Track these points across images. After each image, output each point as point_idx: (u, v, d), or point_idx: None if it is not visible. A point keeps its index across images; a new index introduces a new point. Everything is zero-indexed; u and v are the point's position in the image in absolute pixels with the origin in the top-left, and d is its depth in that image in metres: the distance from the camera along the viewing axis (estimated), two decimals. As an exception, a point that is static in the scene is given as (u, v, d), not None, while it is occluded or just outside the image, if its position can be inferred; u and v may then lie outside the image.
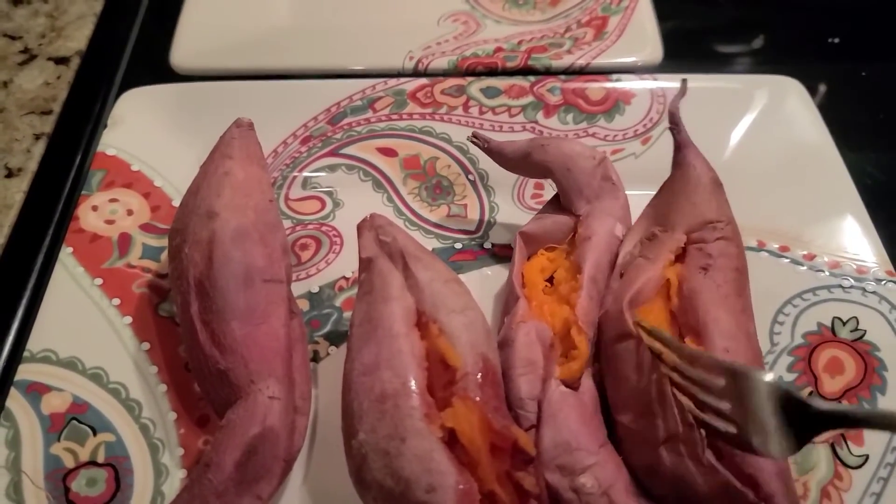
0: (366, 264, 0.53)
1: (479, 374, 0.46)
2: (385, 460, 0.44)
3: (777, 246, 0.60)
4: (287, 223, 0.64)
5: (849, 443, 0.50)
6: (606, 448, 0.47)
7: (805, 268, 0.58)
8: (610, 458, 0.46)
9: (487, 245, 0.63)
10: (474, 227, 0.64)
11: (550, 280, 0.57)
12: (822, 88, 0.77)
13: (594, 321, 0.52)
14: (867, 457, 0.50)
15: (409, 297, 0.50)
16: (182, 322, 0.52)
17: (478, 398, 0.45)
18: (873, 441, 0.50)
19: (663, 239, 0.54)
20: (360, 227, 0.54)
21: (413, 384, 0.46)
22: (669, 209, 0.54)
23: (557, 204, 0.60)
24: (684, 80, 0.57)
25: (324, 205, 0.65)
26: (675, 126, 0.56)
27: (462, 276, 0.60)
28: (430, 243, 0.63)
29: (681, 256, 0.53)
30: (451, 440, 0.44)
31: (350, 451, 0.46)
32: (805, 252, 0.59)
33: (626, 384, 0.48)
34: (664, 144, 0.67)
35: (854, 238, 0.59)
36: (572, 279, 0.54)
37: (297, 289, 0.59)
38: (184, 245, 0.52)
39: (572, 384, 0.50)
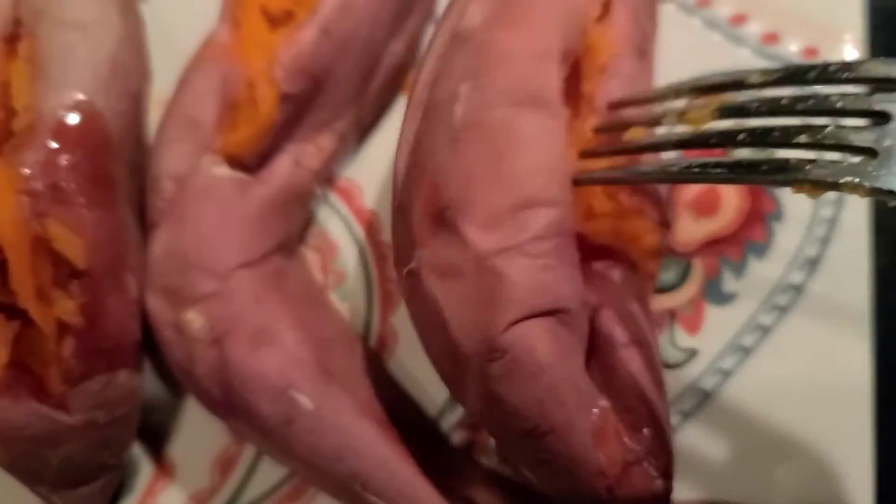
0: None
1: (60, 129, 0.29)
2: None
3: (695, -4, 0.36)
4: None
5: (676, 327, 0.31)
6: (252, 272, 0.30)
7: (721, 35, 0.35)
8: (248, 287, 0.29)
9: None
10: None
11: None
12: None
13: (320, 72, 0.32)
14: (693, 352, 0.31)
15: (9, -9, 0.32)
16: None
17: (27, 167, 0.28)
18: (717, 327, 0.31)
19: None
20: None
21: (-59, 129, 0.29)
22: None
23: None
24: None
25: None
26: None
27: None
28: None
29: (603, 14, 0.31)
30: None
31: None
32: (733, 11, 0.35)
33: (506, 184, 0.26)
34: None
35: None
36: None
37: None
38: None
39: (244, 164, 0.31)
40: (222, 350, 0.28)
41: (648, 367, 0.27)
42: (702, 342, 0.31)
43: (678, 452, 0.27)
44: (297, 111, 0.32)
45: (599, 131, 0.29)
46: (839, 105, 0.23)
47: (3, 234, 0.27)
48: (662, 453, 0.26)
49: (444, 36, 0.29)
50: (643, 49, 0.32)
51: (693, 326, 0.31)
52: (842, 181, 0.21)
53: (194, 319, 0.29)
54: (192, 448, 0.32)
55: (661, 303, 0.31)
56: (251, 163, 0.31)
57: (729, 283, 0.31)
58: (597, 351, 0.27)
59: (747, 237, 0.32)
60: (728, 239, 0.32)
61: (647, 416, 0.26)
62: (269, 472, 0.31)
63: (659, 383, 0.27)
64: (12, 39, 0.31)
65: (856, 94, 0.23)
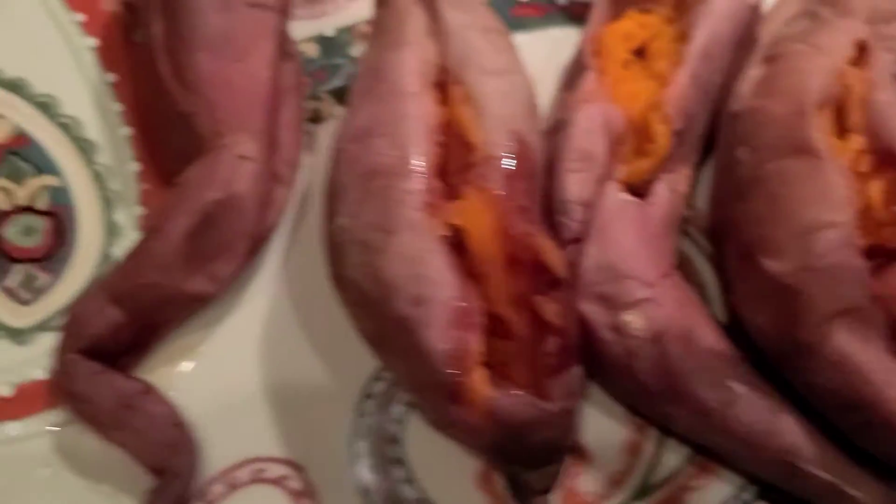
0: (382, -3, 0.39)
1: (509, 159, 0.34)
2: (365, 256, 0.33)
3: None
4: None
5: None
6: (669, 281, 0.35)
7: None
8: (671, 294, 0.34)
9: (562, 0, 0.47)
10: (548, -25, 0.48)
11: (642, 54, 0.41)
12: None
13: (691, 112, 0.37)
14: None
15: (429, 45, 0.37)
16: (146, 49, 0.40)
17: (499, 191, 0.33)
18: None
19: (834, 23, 0.37)
20: (382, -54, 0.40)
21: (415, 160, 0.33)
22: None
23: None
24: None
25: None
26: None
27: (522, 37, 0.45)
28: (485, -11, 0.47)
29: (858, 57, 0.37)
30: (458, 243, 0.33)
31: (328, 237, 0.35)
32: None
33: (786, 219, 0.33)
34: None
35: None
36: (674, 52, 0.39)
37: (306, 29, 0.46)
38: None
39: (639, 190, 0.37)
40: (662, 346, 0.33)
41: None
42: None
43: None
44: (678, 145, 0.37)
45: None
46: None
47: (484, 248, 0.32)
48: None
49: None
50: None
51: None
52: None
53: (634, 320, 0.33)
54: (602, 434, 0.36)
55: None
56: (642, 190, 0.37)
57: None
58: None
59: None
60: None
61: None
62: (674, 454, 0.35)
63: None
64: (439, 85, 0.36)
65: None
